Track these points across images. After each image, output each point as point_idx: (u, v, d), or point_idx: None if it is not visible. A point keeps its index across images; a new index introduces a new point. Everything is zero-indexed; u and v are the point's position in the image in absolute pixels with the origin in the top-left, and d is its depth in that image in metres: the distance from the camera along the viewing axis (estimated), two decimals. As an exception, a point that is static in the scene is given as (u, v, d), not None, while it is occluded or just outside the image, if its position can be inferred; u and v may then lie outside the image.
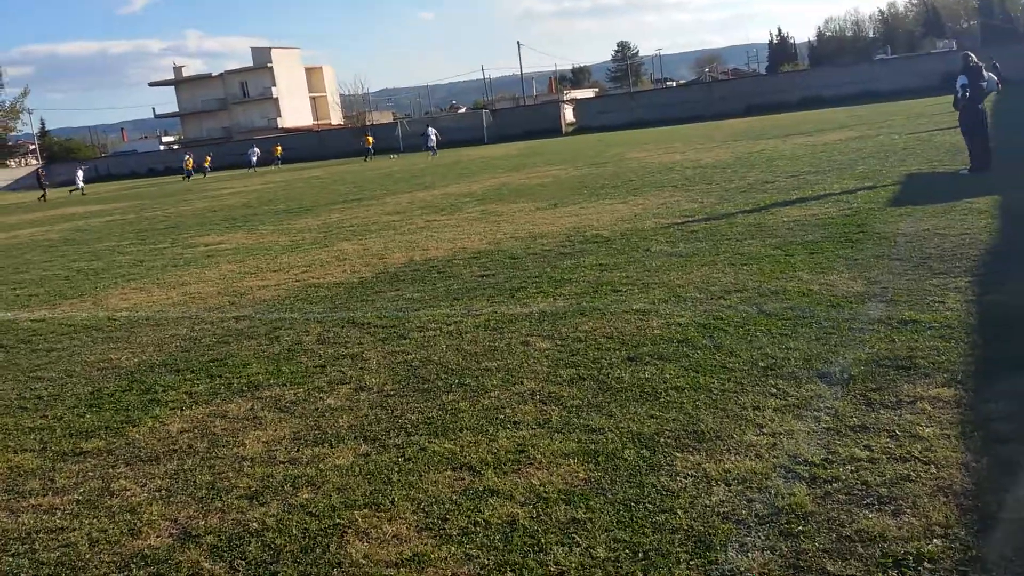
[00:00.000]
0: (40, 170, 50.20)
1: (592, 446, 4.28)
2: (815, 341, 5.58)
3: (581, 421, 4.62)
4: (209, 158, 58.09)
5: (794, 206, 11.50)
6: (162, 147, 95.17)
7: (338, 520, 3.77)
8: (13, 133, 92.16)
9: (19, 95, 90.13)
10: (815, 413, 4.44)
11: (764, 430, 4.28)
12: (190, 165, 52.37)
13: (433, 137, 46.21)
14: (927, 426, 4.15)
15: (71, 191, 47.99)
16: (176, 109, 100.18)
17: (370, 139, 55.29)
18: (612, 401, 4.88)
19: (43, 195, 44.96)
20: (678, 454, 4.10)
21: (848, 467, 3.80)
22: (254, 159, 54.65)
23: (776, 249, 8.67)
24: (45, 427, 5.53)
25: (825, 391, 4.72)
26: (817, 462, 3.87)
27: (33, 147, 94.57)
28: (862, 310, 6.19)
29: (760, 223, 10.38)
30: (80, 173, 50.17)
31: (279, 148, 58.86)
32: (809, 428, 4.26)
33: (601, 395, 5.00)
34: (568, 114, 65.83)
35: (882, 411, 4.38)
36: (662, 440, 4.27)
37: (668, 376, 5.19)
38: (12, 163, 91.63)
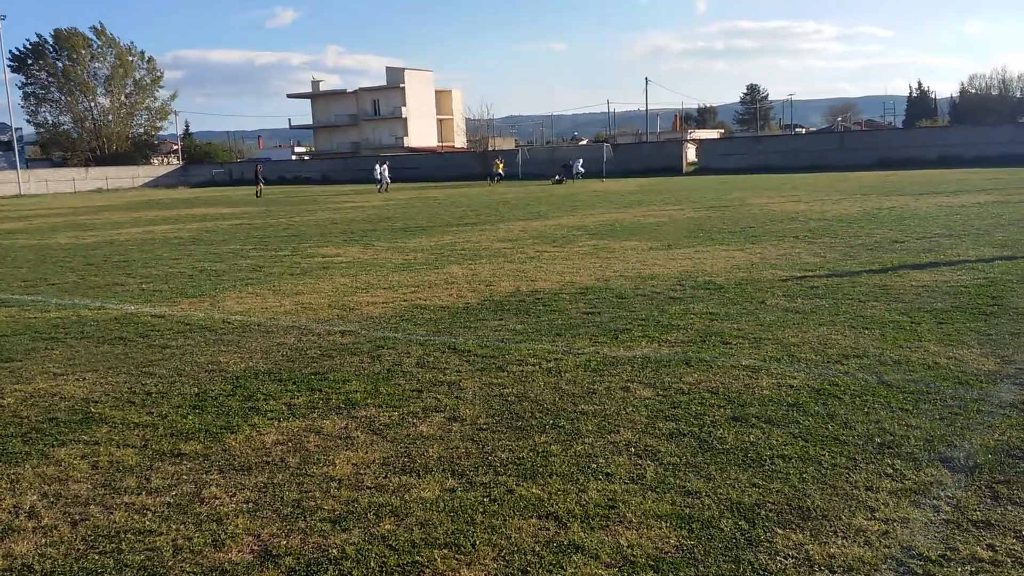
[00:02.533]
0: (258, 165, 52.33)
1: (687, 510, 4.06)
2: (939, 420, 5.18)
3: (677, 481, 4.40)
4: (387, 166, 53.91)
5: (924, 270, 10.89)
6: (293, 156, 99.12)
7: (417, 557, 3.68)
8: (160, 132, 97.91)
9: (168, 97, 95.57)
10: (934, 501, 4.09)
11: (876, 514, 3.96)
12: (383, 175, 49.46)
13: (381, 169, 48.15)
14: (1062, 531, 3.76)
15: (379, 190, 47.34)
16: (311, 121, 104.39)
17: (500, 164, 56.18)
18: (712, 463, 4.64)
19: (259, 190, 47.15)
20: (779, 530, 3.84)
21: (967, 568, 3.47)
22: (382, 174, 52.66)
23: (902, 315, 8.19)
24: (149, 424, 5.68)
25: (947, 478, 4.35)
26: (933, 558, 3.55)
27: (176, 147, 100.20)
28: (993, 391, 5.74)
29: (886, 285, 9.86)
30: (384, 169, 48.88)
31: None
32: (927, 518, 3.92)
33: (701, 455, 4.77)
34: (691, 153, 65.06)
35: (1009, 507, 4.00)
36: (763, 513, 4.01)
37: (775, 442, 4.91)
38: (156, 160, 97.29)
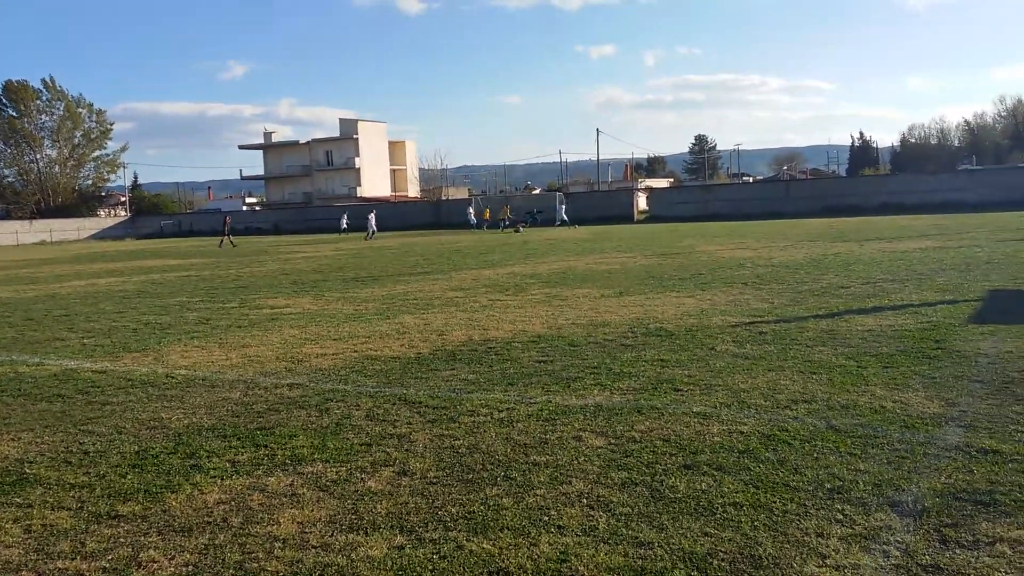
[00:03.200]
0: (227, 216, 51.71)
1: (640, 562, 4.00)
2: (887, 464, 5.22)
3: (630, 532, 4.35)
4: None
5: (869, 315, 11.09)
6: (244, 207, 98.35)
7: (363, 619, 3.56)
8: (107, 184, 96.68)
9: (118, 149, 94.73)
10: (884, 547, 4.09)
11: (828, 561, 3.95)
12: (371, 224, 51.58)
13: (372, 220, 50.86)
14: (1006, 572, 3.78)
15: (366, 237, 48.59)
16: (262, 172, 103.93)
17: (507, 209, 56.85)
18: (664, 512, 4.60)
19: (225, 240, 45.77)
20: (731, 580, 3.80)
21: (920, 614, 3.45)
22: (344, 224, 57.87)
23: (848, 359, 8.30)
24: (86, 484, 5.47)
25: (896, 522, 4.37)
26: (885, 605, 3.53)
27: (123, 199, 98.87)
28: (938, 434, 5.81)
29: (833, 330, 10.01)
30: (372, 217, 51.15)
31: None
32: (877, 563, 3.92)
33: (653, 504, 4.72)
34: (641, 202, 66.07)
35: (957, 551, 4.02)
36: (715, 563, 3.97)
37: (726, 490, 4.89)
38: (103, 212, 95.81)
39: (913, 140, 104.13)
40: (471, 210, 60.21)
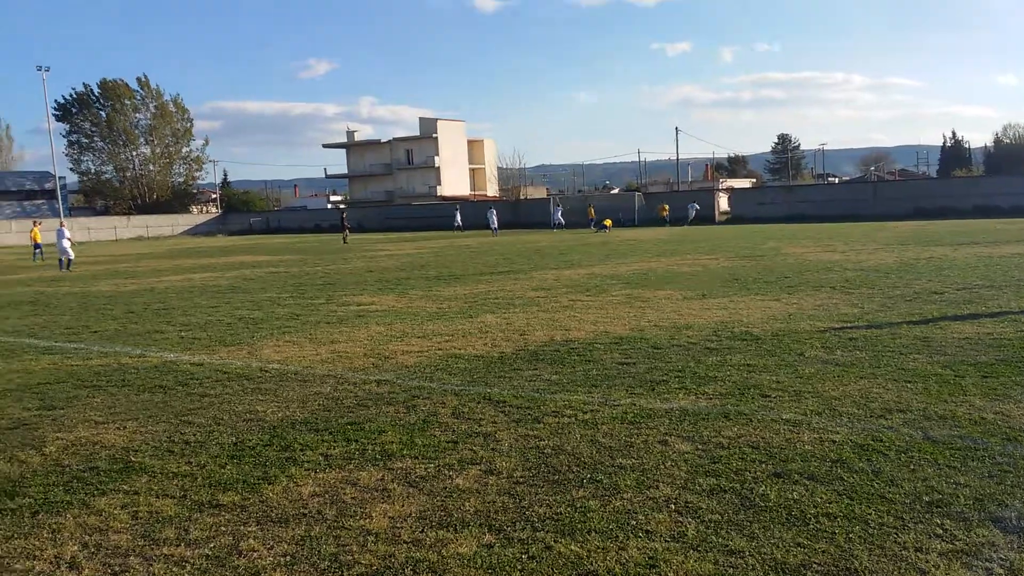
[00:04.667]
0: (344, 214, 54.49)
1: (730, 570, 3.97)
2: (988, 478, 5.05)
3: (720, 540, 4.31)
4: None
5: (966, 322, 10.70)
6: (329, 205, 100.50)
7: (456, 615, 3.63)
8: (197, 181, 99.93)
9: (201, 146, 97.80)
10: (987, 564, 3.97)
11: (926, 577, 3.85)
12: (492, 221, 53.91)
13: (493, 218, 52.72)
14: (1124, 598, 3.62)
15: (493, 233, 51.22)
16: (345, 170, 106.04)
17: (592, 210, 57.06)
18: (755, 521, 4.55)
19: (345, 236, 48.68)
20: (826, 592, 3.74)
21: (1026, 636, 3.34)
22: (458, 221, 58.77)
23: (945, 368, 8.04)
24: (188, 474, 5.71)
25: (999, 538, 4.23)
26: (989, 625, 3.43)
27: (214, 196, 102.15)
28: (1044, 449, 5.58)
29: (927, 337, 9.70)
30: (492, 213, 53.83)
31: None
32: (979, 581, 3.80)
33: (743, 512, 4.68)
34: (723, 203, 65.00)
35: (1067, 572, 3.87)
36: (808, 574, 3.92)
37: (819, 500, 4.81)
38: (195, 209, 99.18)
39: (1007, 140, 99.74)
40: (559, 209, 60.02)
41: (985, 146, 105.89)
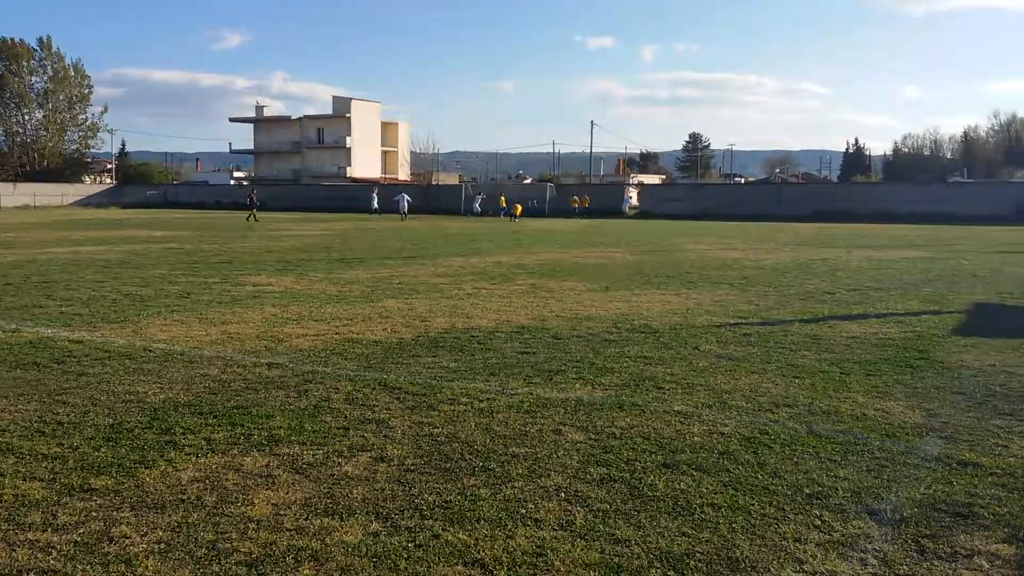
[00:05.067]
0: (253, 191, 50.80)
1: (616, 559, 3.97)
2: (866, 472, 5.21)
3: (607, 529, 4.31)
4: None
5: (854, 321, 11.11)
6: (232, 182, 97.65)
7: (333, 606, 3.51)
8: (92, 150, 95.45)
9: (99, 113, 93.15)
10: (861, 555, 4.08)
11: (804, 567, 3.94)
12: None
13: (403, 202, 51.07)
14: (985, 588, 3.77)
15: (401, 218, 49.18)
16: (252, 147, 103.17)
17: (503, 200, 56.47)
18: (642, 510, 4.57)
19: (252, 214, 44.75)
20: (707, 583, 3.77)
21: (894, 625, 3.44)
22: (376, 204, 55.41)
23: (831, 365, 8.31)
24: (59, 456, 5.39)
25: (874, 530, 4.36)
26: (860, 615, 3.51)
27: (110, 166, 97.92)
28: (919, 444, 5.81)
29: (817, 335, 10.02)
30: (403, 198, 51.36)
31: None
32: (854, 571, 3.91)
33: (631, 502, 4.69)
34: (632, 197, 66.09)
35: (935, 562, 4.01)
36: (692, 563, 3.95)
37: (705, 490, 4.87)
38: (88, 179, 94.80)
39: (906, 150, 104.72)
40: (479, 198, 58.91)
41: (885, 154, 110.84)
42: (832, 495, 4.83)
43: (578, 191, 64.10)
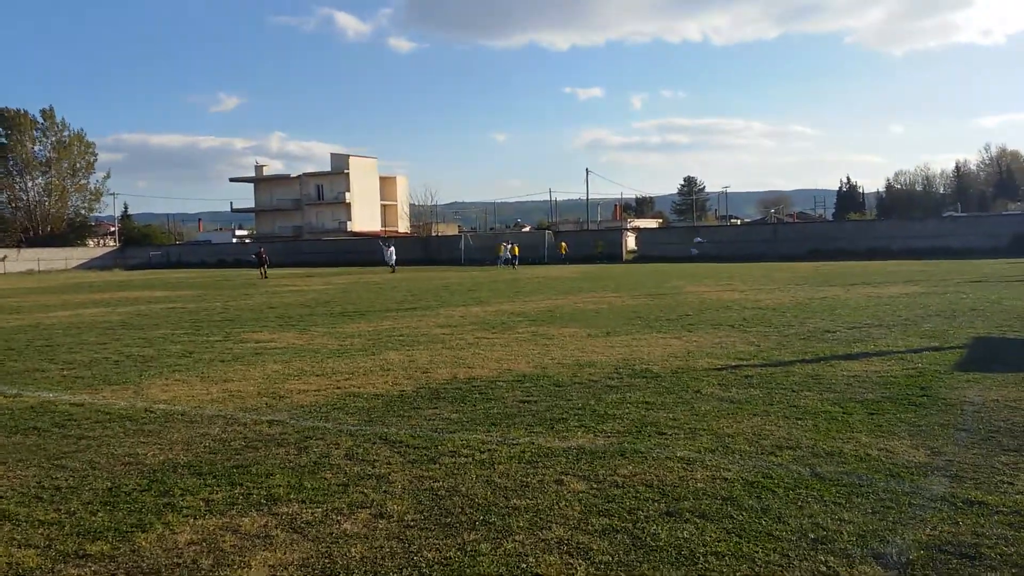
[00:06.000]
0: (262, 248, 51.63)
1: (618, 613, 3.91)
2: (871, 515, 5.15)
3: (609, 581, 4.25)
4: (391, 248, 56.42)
5: (855, 360, 11.07)
6: (234, 240, 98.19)
7: (331, 669, 3.45)
8: (95, 214, 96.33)
9: (101, 179, 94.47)
10: (868, 600, 4.01)
11: (810, 615, 3.87)
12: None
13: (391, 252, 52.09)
14: (995, 631, 3.70)
15: (392, 270, 50.22)
16: (253, 205, 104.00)
17: (502, 247, 56.34)
18: (645, 561, 4.51)
19: (263, 272, 46.31)
20: (712, 634, 3.71)
21: (903, 672, 3.37)
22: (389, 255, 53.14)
23: (834, 405, 8.25)
24: (56, 522, 5.34)
25: (880, 574, 4.29)
26: (868, 662, 3.44)
27: (113, 229, 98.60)
28: (924, 484, 5.75)
29: (818, 375, 9.97)
30: (391, 251, 52.16)
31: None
32: (860, 618, 3.84)
33: (634, 552, 4.63)
34: (630, 242, 66.35)
35: (944, 606, 3.94)
36: (695, 614, 3.88)
37: (708, 538, 4.81)
38: (91, 242, 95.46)
39: (899, 186, 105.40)
40: (507, 245, 55.52)
41: (877, 191, 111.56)
42: (837, 539, 4.77)
43: (564, 238, 64.59)
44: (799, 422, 7.59)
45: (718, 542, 4.75)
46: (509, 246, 54.34)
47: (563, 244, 59.62)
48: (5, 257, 74.36)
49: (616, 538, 4.86)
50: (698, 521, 5.10)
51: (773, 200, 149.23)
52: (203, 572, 4.49)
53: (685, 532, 4.92)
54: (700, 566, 4.43)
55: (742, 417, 7.84)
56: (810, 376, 9.90)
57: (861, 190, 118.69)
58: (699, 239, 58.47)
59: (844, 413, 7.89)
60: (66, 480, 6.27)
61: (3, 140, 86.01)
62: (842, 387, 9.18)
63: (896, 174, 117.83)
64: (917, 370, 10.12)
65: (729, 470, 6.13)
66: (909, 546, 4.64)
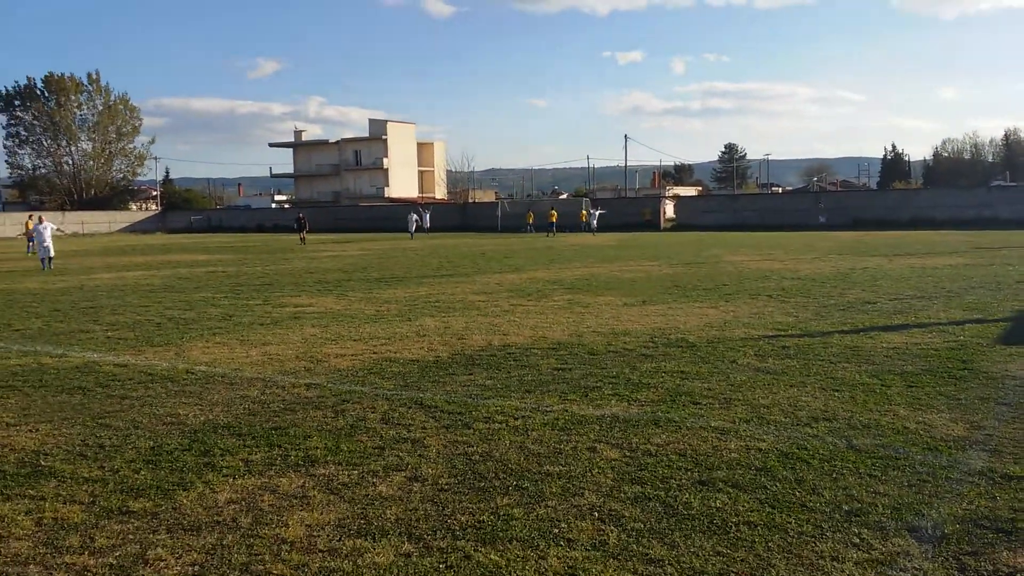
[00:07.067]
0: (301, 214, 51.21)
1: (648, 579, 3.93)
2: (907, 488, 5.11)
3: (640, 549, 4.28)
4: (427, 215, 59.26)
5: (895, 332, 10.91)
6: (273, 205, 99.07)
7: (365, 628, 3.53)
8: (138, 178, 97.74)
9: (146, 143, 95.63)
10: (900, 573, 3.99)
11: (841, 586, 3.86)
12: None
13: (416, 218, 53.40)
14: (1031, 607, 3.67)
15: (418, 230, 52.04)
16: (291, 170, 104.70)
17: (532, 216, 57.16)
18: (677, 529, 4.52)
19: (302, 237, 45.76)
20: (742, 602, 3.72)
21: (935, 646, 3.35)
22: (414, 224, 52.86)
23: (872, 377, 8.16)
24: (99, 479, 5.49)
25: (914, 548, 4.26)
26: (899, 635, 3.43)
27: (155, 193, 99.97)
28: (962, 458, 5.68)
29: (857, 346, 9.85)
30: (416, 216, 53.52)
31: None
32: (893, 591, 3.82)
33: (666, 520, 4.65)
34: (669, 210, 65.72)
35: (978, 580, 3.91)
36: (726, 583, 3.90)
37: (741, 508, 4.81)
38: (134, 206, 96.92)
39: (946, 154, 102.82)
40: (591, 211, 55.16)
41: (924, 159, 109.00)
42: (871, 512, 4.74)
43: (602, 205, 63.04)
44: (836, 394, 7.52)
45: (751, 512, 4.74)
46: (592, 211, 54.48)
47: (552, 211, 55.88)
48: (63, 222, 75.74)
49: (648, 506, 4.87)
50: (731, 491, 5.09)
51: (816, 168, 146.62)
52: (242, 530, 4.60)
53: (718, 501, 4.92)
54: (732, 535, 4.43)
55: (778, 388, 7.79)
56: (848, 348, 9.78)
57: (907, 158, 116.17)
58: (823, 206, 56.24)
59: (882, 385, 7.80)
60: (110, 439, 6.43)
61: (51, 105, 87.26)
62: (881, 359, 9.07)
63: (944, 141, 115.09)
64: (959, 343, 9.96)
65: (763, 441, 6.11)
66: (945, 520, 4.59)
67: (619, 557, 4.18)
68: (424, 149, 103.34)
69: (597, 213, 54.47)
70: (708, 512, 4.76)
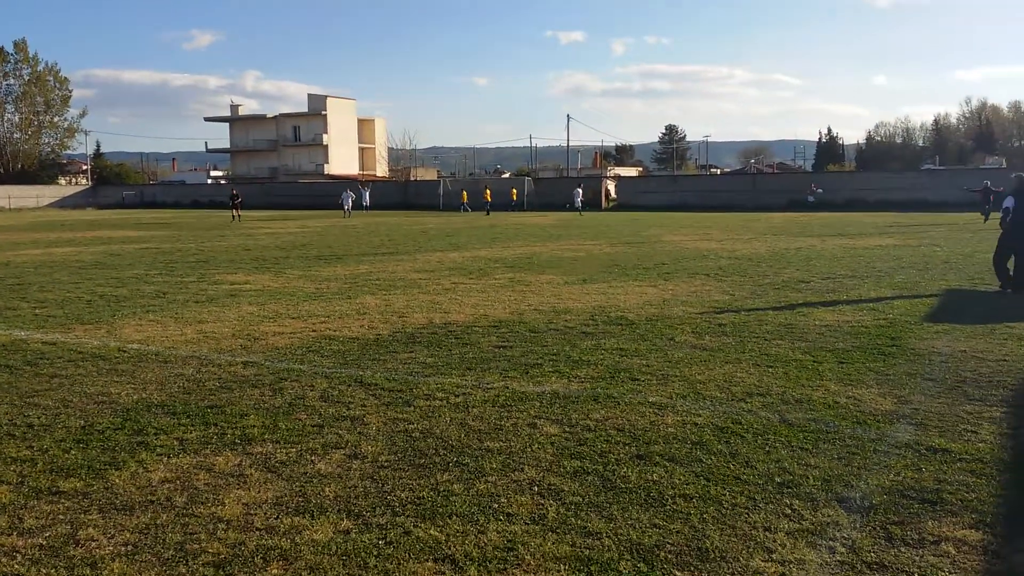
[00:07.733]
0: (234, 190, 49.17)
1: (586, 552, 3.98)
2: (837, 460, 5.26)
3: (579, 522, 4.33)
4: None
5: (827, 309, 11.20)
6: (209, 180, 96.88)
7: (303, 604, 3.50)
8: (67, 151, 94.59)
9: (76, 116, 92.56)
10: (830, 543, 4.11)
11: (773, 556, 3.96)
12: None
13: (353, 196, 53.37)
14: (949, 572, 3.82)
15: (347, 214, 51.28)
16: (228, 145, 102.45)
17: (466, 195, 57.38)
18: (614, 502, 4.59)
19: (235, 214, 44.18)
20: (678, 572, 3.79)
21: (861, 611, 3.47)
22: (349, 203, 52.42)
23: (805, 354, 8.37)
24: (28, 459, 5.34)
25: (843, 518, 4.40)
26: (827, 601, 3.54)
27: (85, 167, 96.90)
28: (889, 431, 5.86)
29: (791, 324, 10.08)
30: (353, 194, 53.05)
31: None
32: (822, 559, 3.94)
33: (604, 494, 4.71)
34: (610, 190, 66.20)
35: (902, 548, 4.05)
36: (662, 555, 3.97)
37: (677, 481, 4.89)
38: (63, 181, 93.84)
39: (879, 138, 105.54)
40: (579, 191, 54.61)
41: (858, 143, 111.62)
42: (803, 484, 4.87)
43: (544, 185, 63.10)
44: (770, 370, 7.69)
45: (687, 484, 4.83)
46: (579, 191, 53.90)
47: (487, 190, 54.39)
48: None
49: (587, 480, 4.93)
50: (668, 464, 5.18)
51: (754, 150, 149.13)
52: (177, 509, 4.52)
53: (655, 475, 5.00)
54: (668, 508, 4.51)
55: (714, 364, 7.93)
56: (782, 325, 10.00)
57: (841, 141, 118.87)
58: (815, 186, 56.03)
59: (814, 362, 8.00)
60: (39, 418, 6.25)
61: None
62: (813, 336, 9.30)
63: (877, 126, 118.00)
64: (888, 320, 10.26)
65: (699, 415, 6.22)
66: (872, 491, 4.74)
67: (557, 531, 4.23)
68: (365, 126, 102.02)
69: (580, 191, 54.33)
70: (645, 485, 4.83)
